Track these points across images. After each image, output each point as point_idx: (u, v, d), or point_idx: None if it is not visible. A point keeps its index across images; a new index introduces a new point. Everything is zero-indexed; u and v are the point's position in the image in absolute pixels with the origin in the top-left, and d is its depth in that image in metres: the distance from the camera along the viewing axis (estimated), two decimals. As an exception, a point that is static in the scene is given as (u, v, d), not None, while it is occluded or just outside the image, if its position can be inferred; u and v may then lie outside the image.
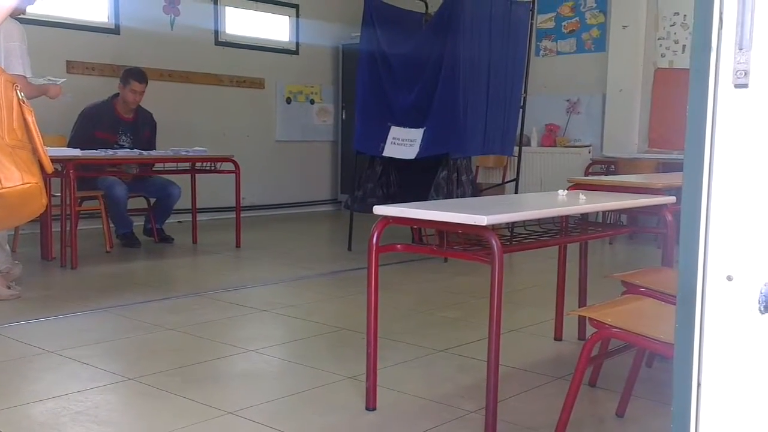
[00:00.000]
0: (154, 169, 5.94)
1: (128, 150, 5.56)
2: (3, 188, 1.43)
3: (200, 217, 6.46)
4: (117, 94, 5.83)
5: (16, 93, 1.50)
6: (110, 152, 5.35)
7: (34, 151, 1.53)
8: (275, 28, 8.45)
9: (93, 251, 5.58)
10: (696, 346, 1.09)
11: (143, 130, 5.95)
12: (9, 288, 4.09)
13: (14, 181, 1.44)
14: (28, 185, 1.47)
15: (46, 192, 1.57)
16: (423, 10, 6.28)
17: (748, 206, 1.06)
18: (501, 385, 2.33)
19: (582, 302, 3.45)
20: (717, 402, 1.09)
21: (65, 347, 3.16)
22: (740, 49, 1.05)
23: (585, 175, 6.85)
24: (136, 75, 5.81)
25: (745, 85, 1.05)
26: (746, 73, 1.05)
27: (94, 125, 5.67)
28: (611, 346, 2.48)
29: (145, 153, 5.59)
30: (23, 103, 1.51)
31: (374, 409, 2.51)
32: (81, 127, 5.70)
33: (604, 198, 3.03)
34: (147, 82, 5.87)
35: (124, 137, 5.81)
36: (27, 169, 1.47)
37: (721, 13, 1.06)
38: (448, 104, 5.28)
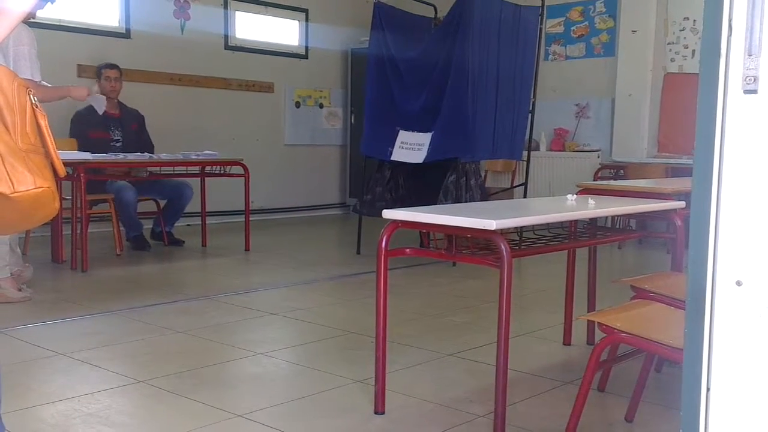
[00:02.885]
0: (163, 172, 5.97)
1: (138, 154, 5.58)
2: (15, 192, 1.44)
3: (209, 220, 6.48)
4: None
5: (30, 97, 1.51)
6: (121, 156, 5.39)
7: (47, 155, 1.54)
8: (285, 32, 8.48)
9: (103, 254, 5.61)
10: (705, 351, 1.10)
11: (130, 123, 6.04)
12: (20, 290, 4.11)
13: (27, 185, 1.45)
14: (41, 189, 1.47)
15: (58, 196, 1.58)
16: (432, 15, 6.29)
17: (758, 211, 1.06)
18: (510, 389, 2.33)
19: (591, 307, 3.44)
20: (726, 407, 1.09)
21: (76, 349, 3.18)
22: (749, 55, 1.05)
23: (594, 180, 6.84)
24: (106, 64, 5.96)
25: (754, 91, 1.05)
26: (755, 79, 1.05)
27: (86, 127, 5.76)
28: (620, 351, 2.48)
29: (155, 156, 5.63)
30: (36, 107, 1.52)
31: (383, 412, 2.51)
32: (74, 131, 5.80)
33: (613, 203, 3.03)
34: (120, 70, 5.99)
35: (115, 133, 5.90)
36: (40, 174, 1.48)
37: (730, 20, 1.06)
38: (456, 108, 5.28)
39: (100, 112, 5.07)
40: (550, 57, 8.13)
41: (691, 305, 1.11)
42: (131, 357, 3.16)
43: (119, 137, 5.89)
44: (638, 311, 2.24)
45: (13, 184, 1.44)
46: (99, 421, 2.40)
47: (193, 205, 6.14)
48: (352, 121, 9.04)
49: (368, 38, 5.91)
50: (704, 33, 1.09)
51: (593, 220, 3.30)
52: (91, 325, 3.63)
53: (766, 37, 1.04)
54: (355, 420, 2.47)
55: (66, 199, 5.08)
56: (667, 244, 5.99)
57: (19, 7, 1.53)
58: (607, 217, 4.87)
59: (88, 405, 2.54)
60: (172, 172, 6.00)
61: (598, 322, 2.02)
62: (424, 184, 5.73)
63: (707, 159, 1.08)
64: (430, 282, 4.90)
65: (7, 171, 1.42)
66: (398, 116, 5.61)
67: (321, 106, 8.90)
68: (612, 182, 4.95)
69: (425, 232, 2.58)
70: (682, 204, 3.04)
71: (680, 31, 7.30)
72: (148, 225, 6.21)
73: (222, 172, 6.07)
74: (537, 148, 7.70)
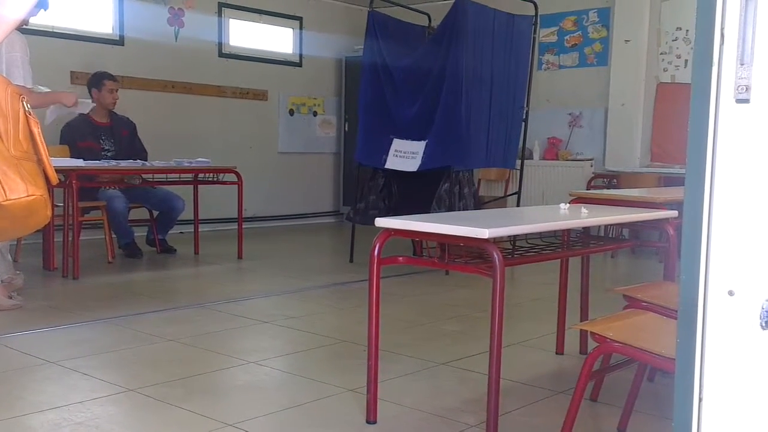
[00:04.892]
0: (156, 180, 5.96)
1: (131, 161, 5.58)
2: (7, 200, 1.44)
3: (202, 228, 6.47)
4: None
5: (23, 105, 1.51)
6: (113, 163, 5.38)
7: (40, 162, 1.53)
8: (279, 40, 8.49)
9: (95, 261, 5.59)
10: (697, 361, 1.09)
11: (121, 131, 6.00)
12: (10, 298, 4.09)
13: (19, 193, 1.45)
14: (33, 197, 1.47)
15: (50, 204, 1.58)
16: (426, 23, 6.31)
17: (750, 221, 1.06)
18: (502, 399, 2.32)
19: (584, 316, 3.44)
20: (718, 417, 1.09)
21: (66, 358, 3.16)
22: (741, 64, 1.05)
23: (587, 189, 6.85)
24: (107, 75, 5.92)
25: (746, 100, 1.05)
26: (747, 88, 1.05)
27: (76, 137, 5.74)
28: (613, 361, 2.47)
29: (148, 164, 5.62)
30: (29, 114, 1.52)
31: (375, 422, 2.50)
32: (64, 141, 5.76)
33: (606, 212, 3.03)
34: (118, 81, 6.03)
35: (107, 142, 5.87)
36: (32, 181, 1.48)
37: (722, 29, 1.06)
38: (450, 117, 5.29)
39: (85, 111, 5.06)
40: (544, 66, 8.16)
41: (683, 315, 1.11)
42: (122, 365, 3.14)
43: (110, 146, 5.87)
44: (631, 321, 2.24)
45: (5, 191, 1.44)
46: (89, 431, 2.38)
47: (186, 213, 6.12)
48: (346, 129, 9.05)
49: (362, 46, 5.92)
50: (696, 42, 1.09)
51: (586, 229, 3.31)
52: (82, 333, 3.61)
53: (758, 46, 1.04)
54: (346, 429, 2.46)
55: (58, 206, 5.06)
56: (659, 253, 6.00)
57: (12, 14, 1.52)
58: (600, 226, 4.87)
59: (77, 414, 2.52)
60: (165, 180, 5.99)
61: (591, 332, 2.02)
62: (417, 193, 5.72)
63: (699, 168, 1.08)
64: (422, 290, 4.89)
65: (-1, 179, 1.42)
66: (392, 124, 5.61)
67: (315, 113, 8.90)
68: (605, 191, 4.96)
69: (418, 240, 2.58)
70: (674, 213, 3.04)
71: (673, 41, 7.34)
72: (142, 232, 6.19)
73: (215, 179, 6.06)
74: (530, 157, 7.71)
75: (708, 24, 1.07)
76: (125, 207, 5.67)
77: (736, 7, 1.04)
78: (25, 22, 4.17)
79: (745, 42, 1.04)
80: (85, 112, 5.13)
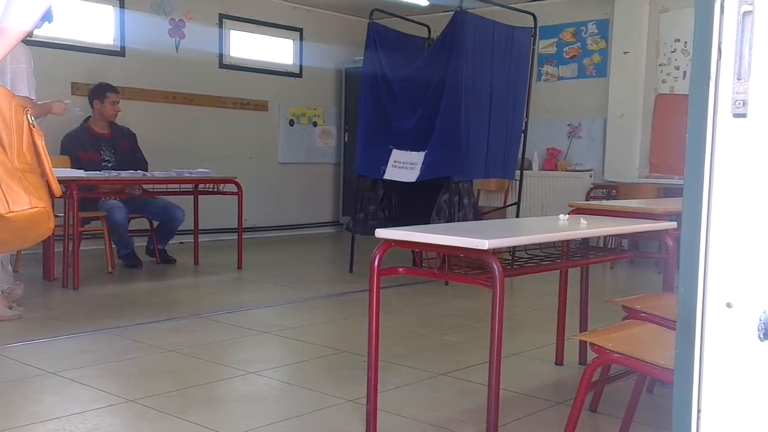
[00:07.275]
0: (156, 190, 5.96)
1: (131, 172, 5.58)
2: (11, 212, 1.44)
3: (202, 238, 6.47)
4: (88, 117, 5.89)
5: (27, 117, 1.52)
6: (114, 173, 5.39)
7: (43, 174, 1.54)
8: (279, 51, 8.52)
9: (95, 272, 5.59)
10: (696, 372, 1.10)
11: (121, 141, 6.01)
12: (10, 308, 4.09)
13: (22, 205, 1.45)
14: (36, 209, 1.48)
15: (53, 215, 1.58)
16: (425, 35, 6.34)
17: (748, 233, 1.07)
18: (501, 409, 2.32)
19: (583, 327, 3.45)
20: (717, 429, 1.10)
21: (66, 368, 3.16)
22: (738, 79, 1.06)
23: (586, 200, 6.86)
24: (110, 87, 5.93)
25: (743, 115, 1.06)
26: (744, 103, 1.06)
27: (77, 147, 5.75)
28: (612, 371, 2.48)
29: (149, 174, 5.63)
30: (33, 127, 1.53)
31: (375, 432, 2.50)
32: (65, 152, 5.77)
33: (605, 223, 3.04)
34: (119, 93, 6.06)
35: (107, 153, 5.88)
36: (35, 193, 1.48)
37: (719, 44, 1.07)
38: (449, 128, 5.31)
39: (72, 114, 5.07)
40: (543, 77, 8.19)
41: (682, 326, 1.11)
42: (121, 376, 3.14)
43: (110, 157, 5.88)
44: (630, 331, 2.24)
45: (8, 203, 1.44)
46: (89, 441, 2.38)
47: (186, 223, 6.13)
48: (346, 139, 9.06)
49: (362, 57, 5.94)
50: (694, 57, 1.10)
51: (585, 240, 3.32)
52: (82, 344, 3.61)
53: (755, 61, 1.06)
54: (346, 440, 2.46)
55: (58, 216, 5.07)
56: (659, 264, 6.00)
57: (19, 26, 1.54)
58: (599, 237, 4.88)
59: (77, 424, 2.52)
60: (165, 190, 6.00)
61: (590, 342, 2.02)
62: (417, 203, 5.73)
63: (697, 182, 1.09)
64: (422, 301, 4.90)
65: (2, 191, 1.43)
66: (391, 135, 5.63)
67: (315, 124, 8.92)
68: (604, 202, 4.97)
69: (418, 251, 2.59)
70: (673, 224, 3.05)
71: (671, 52, 7.36)
72: (141, 242, 6.19)
73: (215, 189, 6.07)
74: (530, 168, 7.72)
75: (705, 39, 1.08)
76: (125, 217, 5.68)
77: (733, 22, 1.06)
78: (29, 33, 4.19)
79: (742, 57, 1.06)
80: (74, 113, 5.11)
